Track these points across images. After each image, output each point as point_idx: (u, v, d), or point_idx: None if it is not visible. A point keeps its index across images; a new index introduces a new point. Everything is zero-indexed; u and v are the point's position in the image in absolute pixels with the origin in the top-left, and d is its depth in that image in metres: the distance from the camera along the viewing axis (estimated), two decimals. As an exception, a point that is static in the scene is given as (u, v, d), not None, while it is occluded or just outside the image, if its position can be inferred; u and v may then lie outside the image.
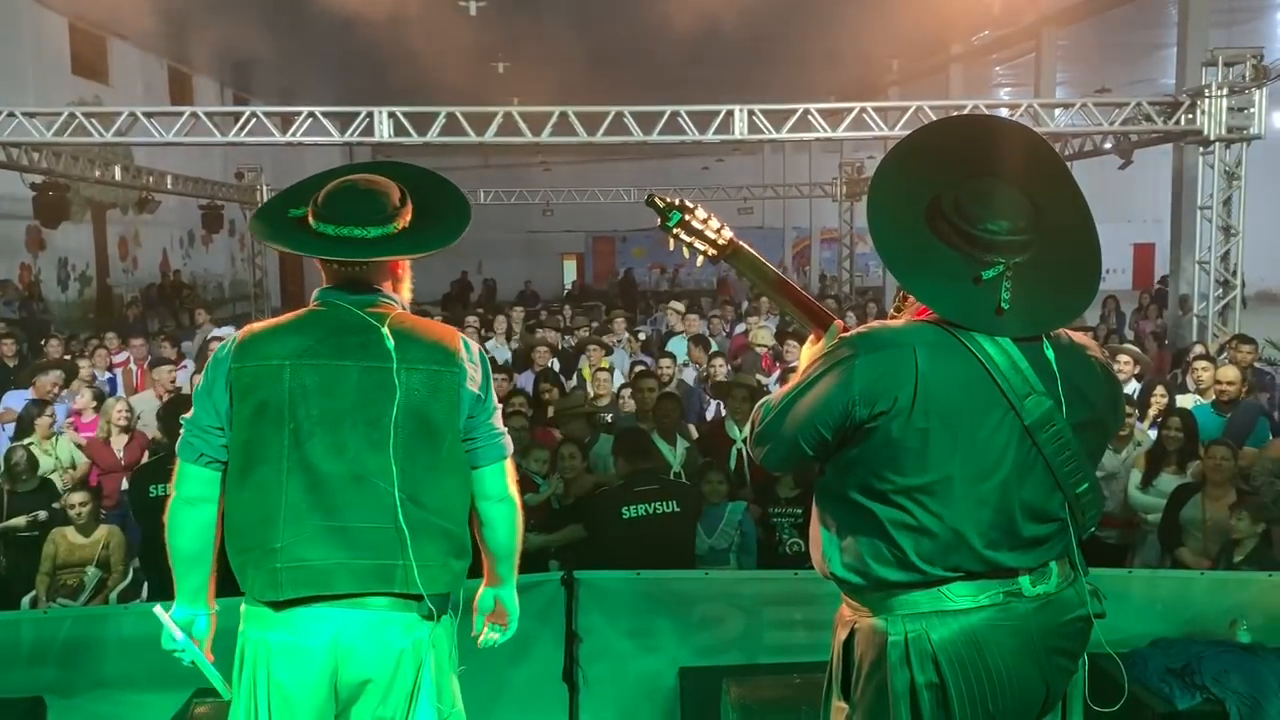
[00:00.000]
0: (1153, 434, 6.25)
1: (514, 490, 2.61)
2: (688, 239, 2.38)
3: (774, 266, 2.47)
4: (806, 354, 2.39)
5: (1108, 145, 12.71)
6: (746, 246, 2.42)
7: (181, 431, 2.49)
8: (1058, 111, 12.09)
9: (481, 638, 2.78)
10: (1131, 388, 7.30)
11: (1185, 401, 6.96)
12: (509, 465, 2.59)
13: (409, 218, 2.49)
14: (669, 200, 2.39)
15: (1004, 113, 11.68)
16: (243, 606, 2.49)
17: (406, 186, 2.53)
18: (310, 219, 2.46)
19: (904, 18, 15.61)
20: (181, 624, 2.53)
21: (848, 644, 2.31)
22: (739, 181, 27.04)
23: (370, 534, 2.37)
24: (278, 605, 2.39)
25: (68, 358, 9.54)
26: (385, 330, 2.42)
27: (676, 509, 5.14)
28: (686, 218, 2.37)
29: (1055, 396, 2.19)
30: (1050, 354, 2.22)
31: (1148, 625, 4.44)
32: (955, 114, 10.78)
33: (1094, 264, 2.31)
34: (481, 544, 2.64)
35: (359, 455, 2.38)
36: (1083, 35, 18.48)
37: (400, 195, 2.50)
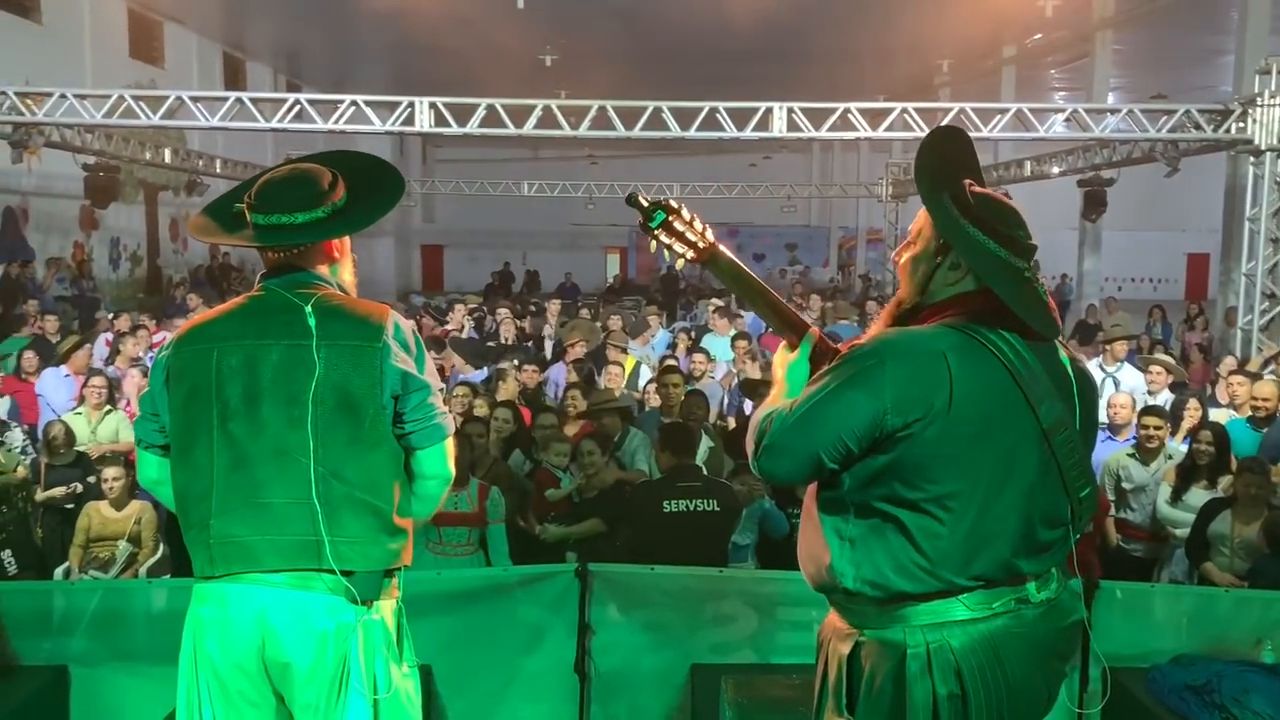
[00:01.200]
0: (1184, 448, 6.15)
1: (453, 467, 2.61)
2: (668, 241, 2.33)
3: (753, 272, 2.44)
4: (780, 361, 2.38)
5: (1157, 152, 12.47)
6: (726, 251, 2.38)
7: None
8: (1108, 116, 11.90)
9: None
10: (1164, 398, 7.18)
11: (1220, 416, 6.84)
12: (449, 444, 2.58)
13: (340, 201, 2.55)
14: (653, 200, 2.33)
15: (1051, 117, 11.51)
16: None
17: (341, 171, 2.59)
18: (246, 211, 2.53)
19: (954, 19, 15.48)
20: None
21: (853, 657, 2.25)
22: (786, 180, 26.93)
23: (291, 509, 2.40)
24: (212, 580, 2.44)
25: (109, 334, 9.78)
26: (309, 309, 2.46)
27: (716, 508, 5.12)
28: (670, 219, 2.31)
29: (1069, 401, 2.20)
30: (1065, 360, 2.24)
31: (1169, 641, 4.37)
32: (971, 120, 10.67)
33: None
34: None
35: (280, 432, 2.41)
36: (1141, 40, 18.21)
37: (331, 179, 2.55)
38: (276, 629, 2.39)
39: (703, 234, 2.34)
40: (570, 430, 6.55)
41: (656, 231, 2.32)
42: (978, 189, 2.24)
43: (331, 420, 2.42)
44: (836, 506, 2.23)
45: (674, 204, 2.35)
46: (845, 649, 2.26)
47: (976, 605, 2.15)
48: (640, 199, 2.34)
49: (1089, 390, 2.30)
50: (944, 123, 10.87)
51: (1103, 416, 7.56)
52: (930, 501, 2.12)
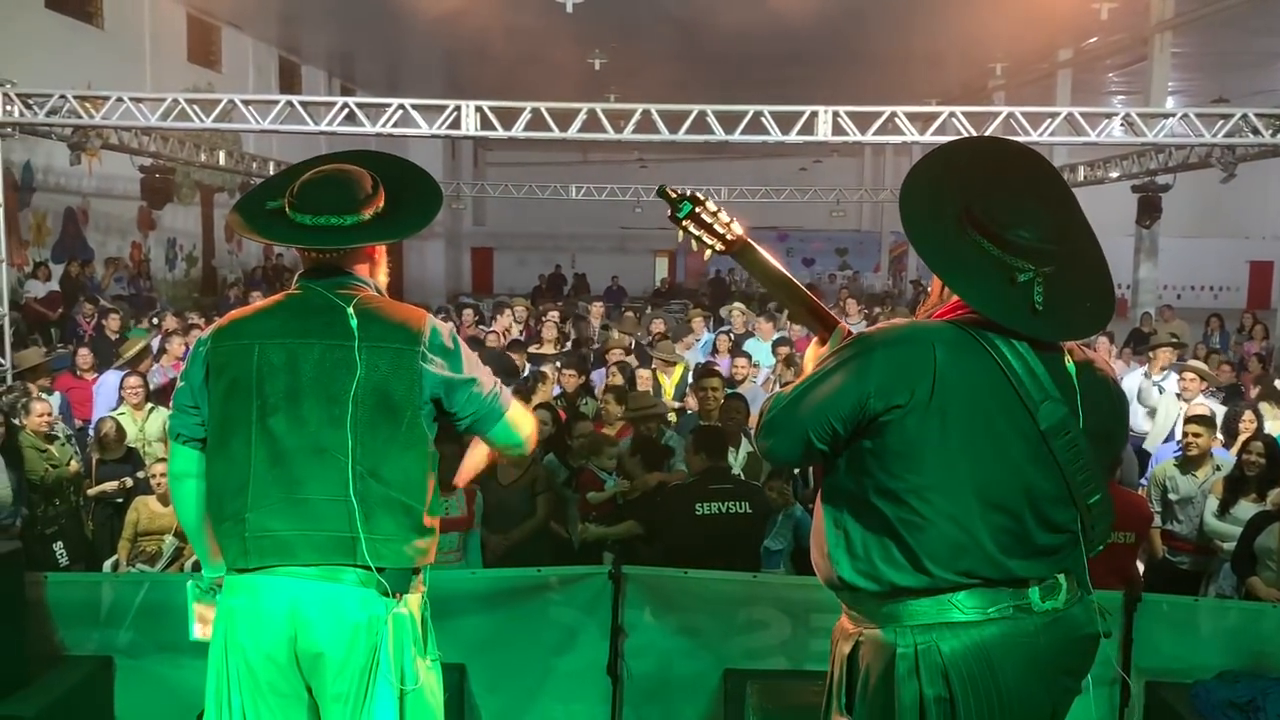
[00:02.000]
0: (1233, 459, 6.02)
1: (523, 430, 2.71)
2: (696, 231, 2.39)
3: (782, 267, 2.47)
4: (811, 356, 2.42)
5: (1214, 157, 12.19)
6: (756, 245, 2.43)
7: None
8: (1166, 121, 11.66)
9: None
10: (1197, 403, 7.03)
11: (1276, 428, 6.67)
12: (511, 414, 2.66)
13: (381, 204, 2.58)
14: (680, 191, 2.40)
15: (1105, 122, 11.31)
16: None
17: (379, 174, 2.62)
18: (287, 209, 2.55)
19: (1007, 22, 15.28)
20: (210, 583, 2.71)
21: (852, 656, 2.30)
22: (836, 184, 26.76)
23: (329, 506, 2.44)
24: (245, 572, 2.49)
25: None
26: (350, 310, 2.51)
27: (748, 510, 5.13)
28: (697, 210, 2.38)
29: (1072, 405, 2.19)
30: (1071, 367, 2.24)
31: (1214, 656, 4.31)
32: (1012, 125, 10.53)
33: (1109, 284, 2.35)
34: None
35: (319, 430, 2.46)
36: (1200, 43, 17.85)
37: (372, 183, 2.58)
38: (309, 620, 2.44)
39: (729, 226, 2.39)
40: (609, 432, 6.57)
41: (685, 222, 2.40)
42: (996, 195, 2.23)
43: (371, 420, 2.47)
44: (834, 495, 2.30)
45: (700, 195, 2.41)
46: (847, 649, 2.32)
47: (970, 608, 2.16)
48: (669, 191, 2.41)
49: (1097, 396, 2.28)
50: (994, 126, 10.76)
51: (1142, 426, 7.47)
52: (909, 492, 2.15)
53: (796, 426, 2.23)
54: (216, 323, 2.66)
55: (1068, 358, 2.26)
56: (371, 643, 2.45)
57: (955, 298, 2.27)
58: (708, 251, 2.41)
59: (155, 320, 11.76)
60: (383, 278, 2.72)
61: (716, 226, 2.39)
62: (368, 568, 2.44)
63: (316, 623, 2.44)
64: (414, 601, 2.55)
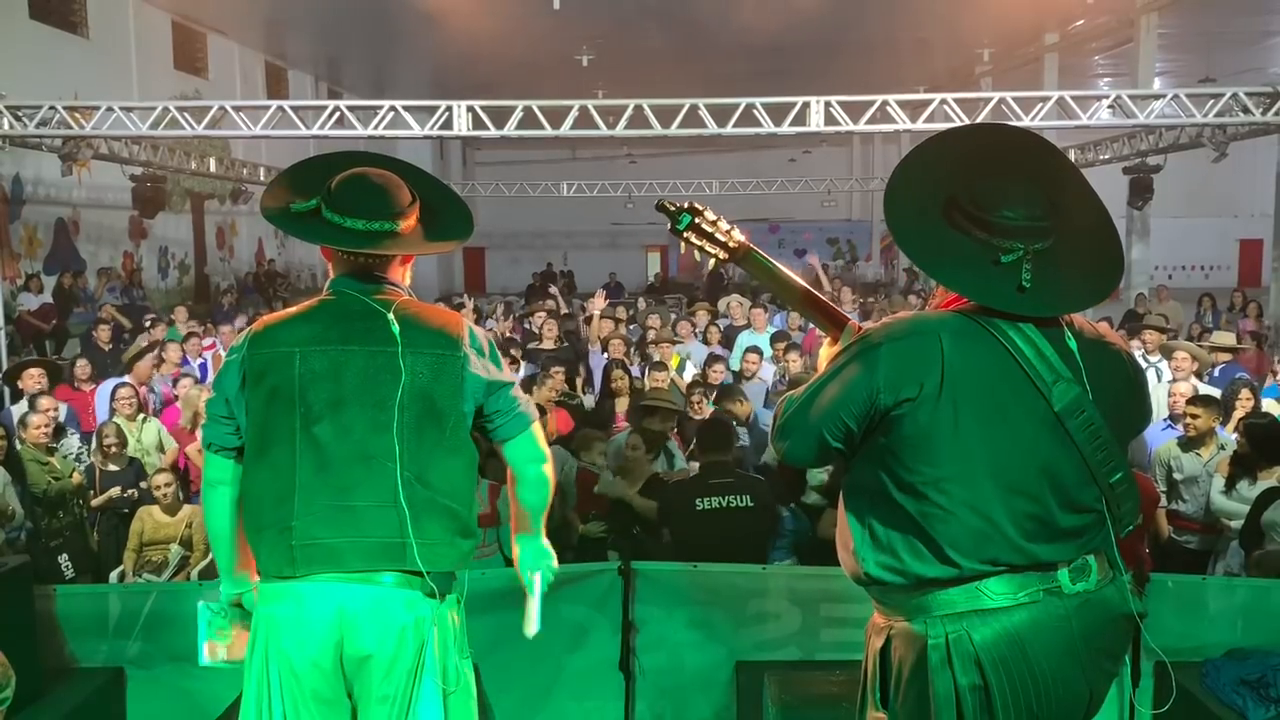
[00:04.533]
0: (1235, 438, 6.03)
1: (546, 448, 2.69)
2: (698, 242, 2.44)
3: (785, 269, 2.49)
4: (825, 356, 2.41)
5: (1205, 137, 12.21)
6: (758, 250, 2.46)
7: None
8: (1153, 102, 11.69)
9: (535, 596, 2.77)
10: (1189, 385, 7.04)
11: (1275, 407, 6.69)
12: (536, 428, 2.66)
13: (419, 211, 2.59)
14: (679, 204, 2.44)
15: (1095, 104, 11.34)
16: (256, 585, 2.59)
17: (406, 181, 2.62)
18: (324, 210, 2.52)
19: (994, 7, 15.30)
20: (228, 599, 2.71)
21: (884, 651, 2.28)
22: (826, 174, 26.77)
23: (376, 512, 2.45)
24: (286, 580, 2.47)
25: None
26: (391, 316, 2.50)
27: (750, 503, 5.11)
28: (697, 220, 2.42)
29: (1082, 384, 2.18)
30: (1073, 344, 2.22)
31: (1223, 634, 4.31)
32: (1026, 111, 10.57)
33: (1116, 254, 2.31)
34: (516, 500, 2.74)
35: (365, 437, 2.46)
36: (1186, 23, 17.88)
37: (409, 189, 2.59)
38: (357, 623, 2.44)
39: (729, 234, 2.44)
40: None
41: (686, 234, 2.44)
42: (983, 181, 2.22)
43: (417, 426, 2.47)
44: (855, 492, 2.30)
45: (699, 206, 2.45)
46: (879, 643, 2.30)
47: (999, 594, 2.15)
48: (667, 205, 2.46)
49: (1110, 373, 2.26)
50: (985, 112, 10.79)
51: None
52: (927, 485, 2.15)
53: (810, 428, 2.24)
54: (250, 329, 2.62)
55: (1067, 333, 2.23)
56: (419, 644, 2.46)
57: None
58: (713, 261, 2.45)
59: (149, 327, 11.64)
60: (408, 279, 2.72)
61: (717, 235, 2.43)
62: (416, 572, 2.44)
63: (364, 625, 2.44)
64: (454, 603, 2.56)
